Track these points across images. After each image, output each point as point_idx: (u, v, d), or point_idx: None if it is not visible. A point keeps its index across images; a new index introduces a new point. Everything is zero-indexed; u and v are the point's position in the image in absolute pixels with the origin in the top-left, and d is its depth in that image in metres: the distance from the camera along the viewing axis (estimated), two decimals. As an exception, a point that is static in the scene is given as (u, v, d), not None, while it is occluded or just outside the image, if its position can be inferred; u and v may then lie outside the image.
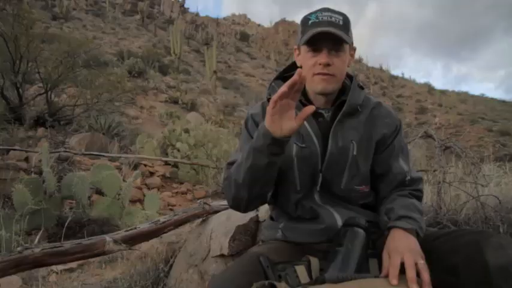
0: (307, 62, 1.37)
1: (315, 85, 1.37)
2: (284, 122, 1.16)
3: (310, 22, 1.35)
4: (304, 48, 1.39)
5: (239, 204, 1.40)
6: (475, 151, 3.18)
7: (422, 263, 1.07)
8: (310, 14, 1.38)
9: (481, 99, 65.06)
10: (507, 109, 50.82)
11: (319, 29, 1.30)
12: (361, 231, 1.20)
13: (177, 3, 67.57)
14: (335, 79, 1.36)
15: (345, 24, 1.35)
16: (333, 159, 1.37)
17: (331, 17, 1.34)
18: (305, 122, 1.37)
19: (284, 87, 1.10)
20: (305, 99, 1.44)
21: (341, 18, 1.35)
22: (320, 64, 1.33)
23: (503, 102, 60.99)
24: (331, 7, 1.39)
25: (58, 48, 10.02)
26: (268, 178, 1.31)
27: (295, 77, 1.09)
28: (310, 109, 1.13)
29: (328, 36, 1.30)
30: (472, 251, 1.09)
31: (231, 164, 1.42)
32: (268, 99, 1.47)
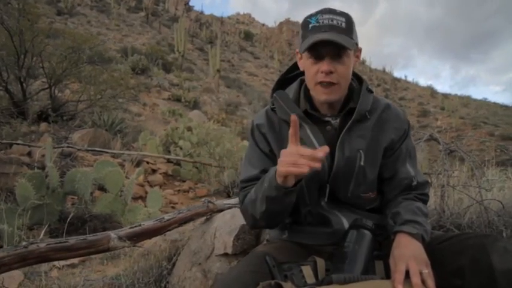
0: (309, 69, 1.31)
1: (318, 95, 1.32)
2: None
3: (310, 26, 1.28)
4: (305, 55, 1.32)
5: (259, 228, 1.42)
6: (477, 155, 3.18)
7: (426, 272, 1.07)
8: (311, 16, 1.30)
9: (484, 103, 64.87)
10: (509, 114, 50.62)
11: (319, 36, 1.23)
12: (367, 232, 1.20)
13: (181, 1, 67.51)
14: (339, 87, 1.30)
15: (348, 26, 1.27)
16: (339, 171, 1.35)
17: (332, 20, 1.26)
18: (311, 135, 1.36)
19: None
20: (311, 108, 1.39)
21: (343, 20, 1.27)
22: (322, 72, 1.27)
23: (506, 106, 60.83)
24: (334, 6, 1.35)
25: (62, 44, 10.01)
26: (285, 212, 1.32)
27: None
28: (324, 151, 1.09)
29: (330, 43, 1.23)
30: (478, 254, 1.10)
31: (244, 181, 1.41)
32: (272, 109, 1.45)
